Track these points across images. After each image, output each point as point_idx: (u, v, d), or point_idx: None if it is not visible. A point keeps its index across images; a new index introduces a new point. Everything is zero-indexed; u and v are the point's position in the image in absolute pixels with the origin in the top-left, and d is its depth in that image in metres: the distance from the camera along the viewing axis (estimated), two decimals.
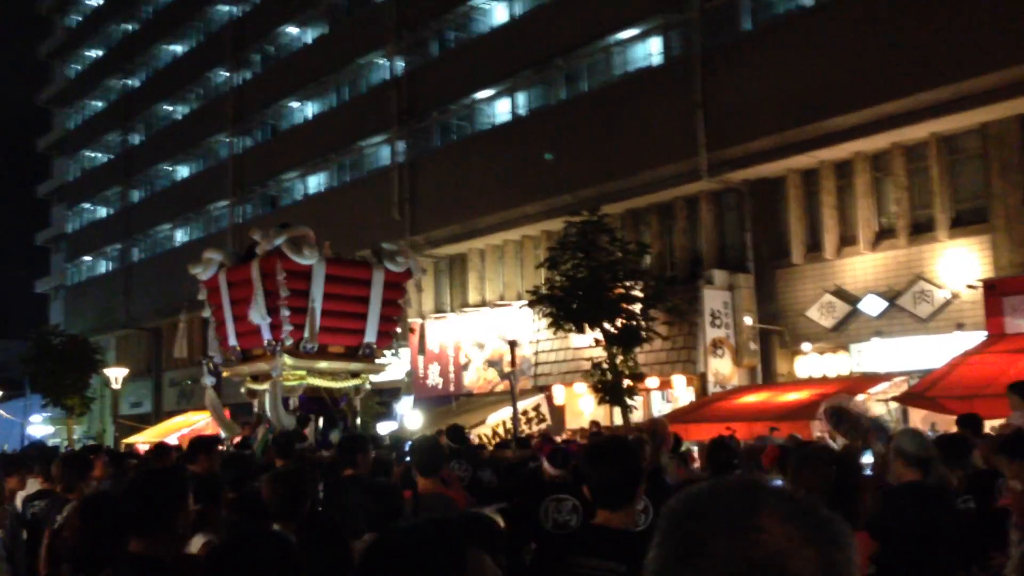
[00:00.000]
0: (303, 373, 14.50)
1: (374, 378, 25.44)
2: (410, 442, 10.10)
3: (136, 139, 47.14)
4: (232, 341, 15.26)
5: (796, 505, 1.03)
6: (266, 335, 14.30)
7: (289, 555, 2.26)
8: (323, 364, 14.76)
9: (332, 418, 14.52)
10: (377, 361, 15.67)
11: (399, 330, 25.73)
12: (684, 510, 1.06)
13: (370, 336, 15.17)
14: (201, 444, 9.00)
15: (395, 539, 1.57)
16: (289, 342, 14.35)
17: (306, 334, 14.16)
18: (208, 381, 16.08)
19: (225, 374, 16.13)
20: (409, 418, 21.69)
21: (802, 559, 0.98)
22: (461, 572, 1.46)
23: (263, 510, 4.65)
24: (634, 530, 3.40)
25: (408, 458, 7.57)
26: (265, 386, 14.63)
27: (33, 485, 7.92)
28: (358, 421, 16.00)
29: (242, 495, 5.19)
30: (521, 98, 27.39)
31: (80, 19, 54.03)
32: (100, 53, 51.64)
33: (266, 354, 14.50)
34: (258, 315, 13.92)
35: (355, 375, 15.33)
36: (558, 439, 15.26)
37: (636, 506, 3.44)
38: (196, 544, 4.55)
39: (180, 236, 43.06)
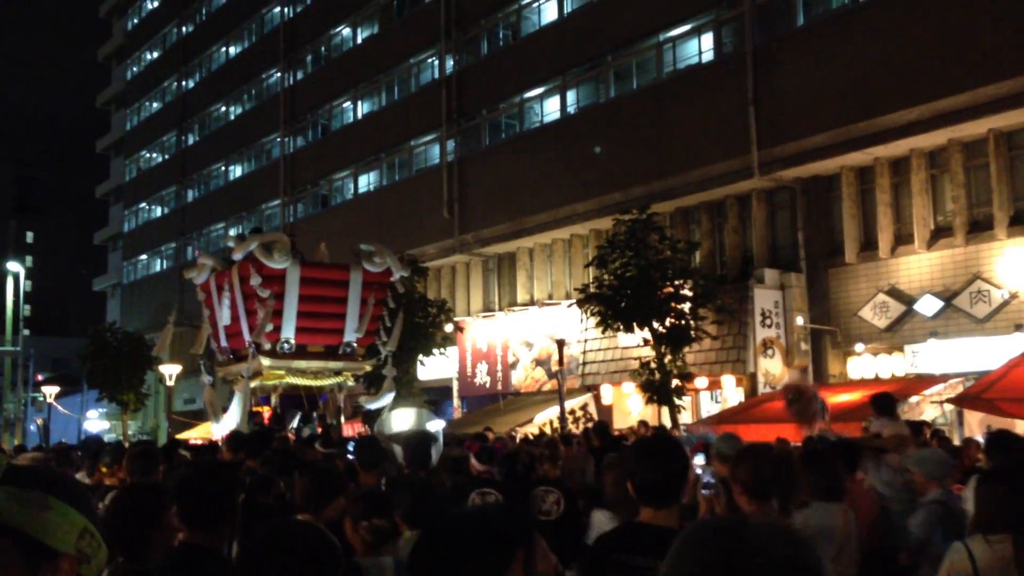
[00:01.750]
0: (282, 372, 15.06)
1: (423, 376, 25.79)
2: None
3: (191, 139, 47.91)
4: (224, 342, 15.91)
5: (789, 552, 1.11)
6: (246, 337, 14.83)
7: (322, 545, 2.24)
8: (302, 363, 15.25)
9: (307, 415, 14.90)
10: (359, 359, 16.10)
11: (450, 328, 26.03)
12: (705, 536, 1.18)
13: (350, 335, 15.58)
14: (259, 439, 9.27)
15: (472, 519, 1.58)
16: (268, 345, 14.90)
17: (284, 335, 14.66)
18: (206, 380, 16.79)
19: (220, 373, 16.71)
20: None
21: None
22: (531, 550, 1.53)
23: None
24: (679, 529, 3.37)
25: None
26: (256, 383, 15.21)
27: (82, 480, 8.05)
28: (342, 419, 16.29)
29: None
30: (571, 96, 27.31)
31: (137, 22, 55.04)
32: (156, 55, 52.59)
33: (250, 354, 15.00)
34: (227, 317, 14.57)
35: (337, 373, 15.80)
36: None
37: (679, 505, 3.42)
38: None
39: (234, 235, 43.63)
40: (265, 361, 14.80)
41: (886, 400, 10.16)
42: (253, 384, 15.14)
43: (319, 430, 14.41)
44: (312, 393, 16.00)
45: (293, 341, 14.99)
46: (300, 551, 2.15)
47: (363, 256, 15.88)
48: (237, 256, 14.72)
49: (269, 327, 14.70)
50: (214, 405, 16.57)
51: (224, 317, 15.33)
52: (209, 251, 44.46)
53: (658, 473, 3.33)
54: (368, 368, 16.70)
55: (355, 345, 15.74)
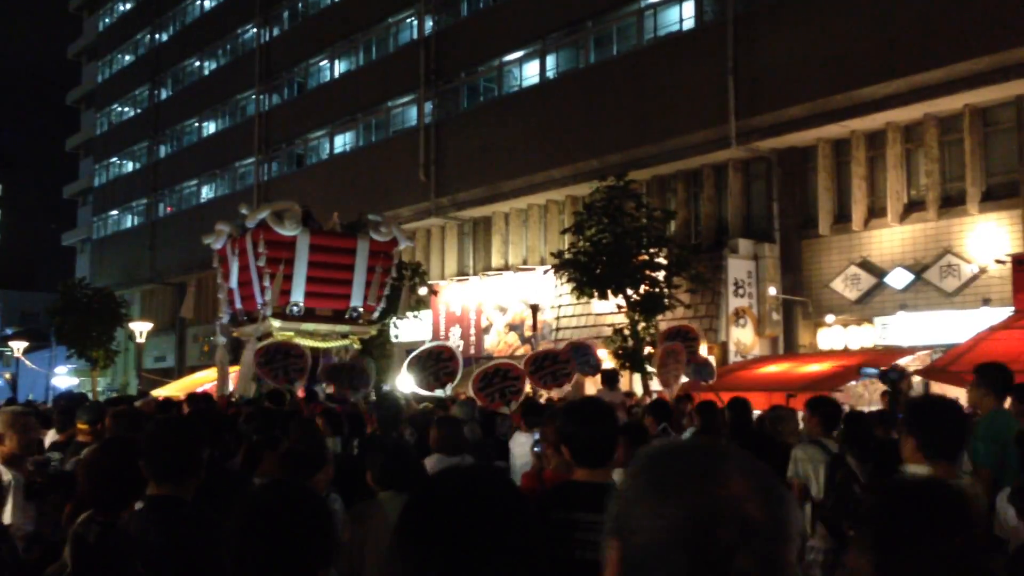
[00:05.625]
0: (291, 334, 15.90)
1: (401, 339, 25.91)
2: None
3: (164, 94, 47.22)
4: (238, 304, 16.80)
5: (753, 466, 1.24)
6: (259, 299, 15.81)
7: (319, 510, 2.26)
8: (310, 326, 16.23)
9: (316, 378, 15.81)
10: (365, 323, 17.11)
11: (424, 291, 26.41)
12: (665, 452, 1.27)
13: (356, 300, 16.59)
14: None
15: (479, 475, 1.60)
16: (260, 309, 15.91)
17: (293, 298, 15.69)
18: (221, 340, 17.62)
19: (234, 334, 17.57)
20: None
21: (755, 506, 1.19)
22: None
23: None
24: (614, 484, 3.52)
25: None
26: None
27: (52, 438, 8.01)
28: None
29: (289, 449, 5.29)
30: (550, 61, 27.16)
31: None
32: (129, 7, 51.65)
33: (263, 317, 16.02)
34: (233, 282, 15.80)
35: (344, 336, 16.81)
36: None
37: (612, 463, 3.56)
38: None
39: (206, 192, 43.23)
40: (275, 323, 15.73)
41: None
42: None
43: (329, 388, 14.98)
44: (319, 355, 16.81)
45: (302, 305, 15.95)
46: (294, 514, 2.17)
47: (370, 226, 16.78)
48: (250, 223, 15.73)
49: (266, 294, 15.74)
50: (223, 366, 17.45)
51: (238, 281, 16.23)
52: (180, 207, 44.12)
53: (593, 434, 3.44)
54: (373, 332, 17.68)
55: (361, 310, 16.63)
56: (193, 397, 11.78)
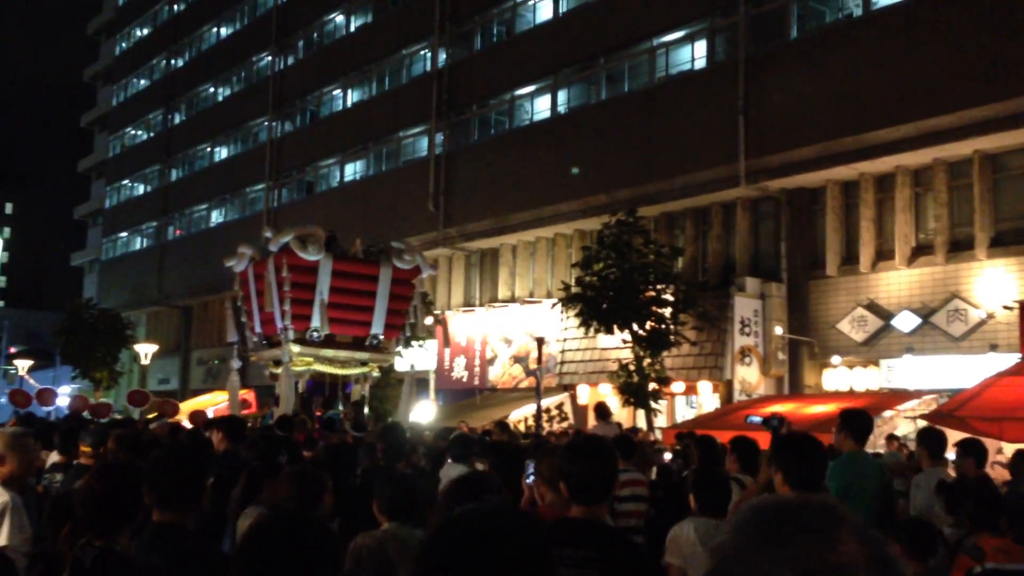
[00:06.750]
0: (310, 360, 15.85)
1: (400, 368, 25.93)
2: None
3: (177, 119, 47.57)
4: (257, 328, 16.66)
5: (867, 533, 1.18)
6: (279, 323, 15.66)
7: (328, 540, 2.23)
8: (329, 352, 16.05)
9: (332, 402, 15.62)
10: (385, 352, 16.93)
11: (429, 321, 26.49)
12: (773, 507, 1.20)
13: (377, 328, 16.41)
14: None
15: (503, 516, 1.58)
16: (287, 332, 15.75)
17: (313, 324, 15.49)
18: (235, 364, 17.45)
19: (253, 358, 17.50)
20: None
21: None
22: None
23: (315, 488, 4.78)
24: (608, 523, 3.62)
25: None
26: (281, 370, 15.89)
27: (52, 459, 7.99)
28: (366, 410, 16.73)
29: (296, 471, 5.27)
30: (562, 96, 27.32)
31: None
32: (147, 32, 52.18)
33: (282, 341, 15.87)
34: (269, 304, 15.55)
35: (363, 364, 16.60)
36: None
37: (609, 502, 3.59)
38: (249, 516, 4.67)
39: (216, 217, 43.42)
40: (295, 348, 15.56)
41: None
42: (279, 370, 15.88)
43: (343, 416, 14.89)
44: (336, 381, 16.68)
45: (322, 330, 15.74)
46: (300, 543, 2.14)
47: (393, 253, 16.68)
48: (273, 247, 15.61)
49: (287, 319, 15.56)
50: (235, 392, 17.32)
51: (258, 305, 16.09)
52: (189, 231, 44.29)
53: (591, 472, 3.48)
54: (392, 360, 17.67)
55: (381, 338, 16.45)
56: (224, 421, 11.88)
